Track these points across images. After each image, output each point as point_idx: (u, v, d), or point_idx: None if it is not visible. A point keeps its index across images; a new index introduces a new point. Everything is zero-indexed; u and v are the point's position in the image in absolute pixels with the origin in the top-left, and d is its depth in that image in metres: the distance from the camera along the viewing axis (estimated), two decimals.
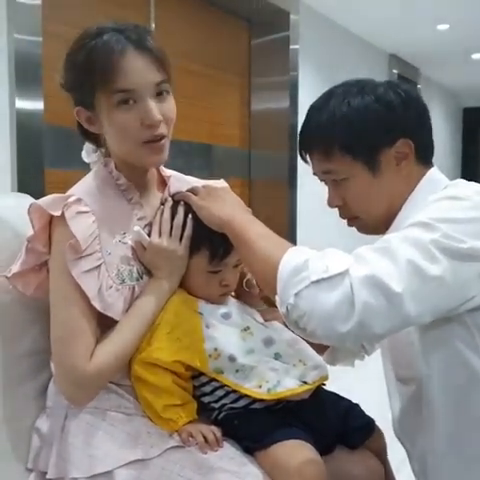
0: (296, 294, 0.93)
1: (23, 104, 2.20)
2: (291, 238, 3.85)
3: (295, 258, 0.96)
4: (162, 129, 1.12)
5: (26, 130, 2.21)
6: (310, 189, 3.13)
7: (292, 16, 3.78)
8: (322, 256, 0.96)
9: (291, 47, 3.80)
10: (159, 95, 1.11)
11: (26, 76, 2.20)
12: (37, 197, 1.36)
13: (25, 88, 2.20)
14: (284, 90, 3.83)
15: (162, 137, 1.12)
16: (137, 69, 1.08)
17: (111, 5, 2.80)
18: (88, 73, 1.08)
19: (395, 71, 5.54)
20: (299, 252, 0.98)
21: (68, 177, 2.49)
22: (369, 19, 4.40)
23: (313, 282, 0.92)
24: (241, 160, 3.90)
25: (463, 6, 4.15)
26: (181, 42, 3.27)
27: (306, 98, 3.78)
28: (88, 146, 1.24)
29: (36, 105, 2.25)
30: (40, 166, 2.31)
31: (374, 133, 1.13)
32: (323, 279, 0.92)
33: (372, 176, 1.15)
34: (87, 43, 1.09)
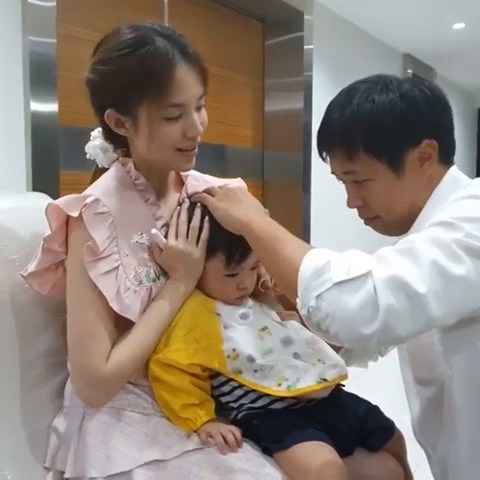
0: (318, 296, 0.91)
1: (38, 106, 2.21)
2: (305, 239, 3.82)
3: (316, 260, 0.95)
4: (199, 138, 1.13)
5: (41, 132, 2.22)
6: (324, 190, 3.13)
7: (306, 16, 3.76)
8: (344, 257, 0.95)
9: (305, 47, 3.79)
10: (199, 108, 1.12)
11: (40, 78, 2.21)
12: (53, 198, 1.37)
13: (40, 90, 2.21)
14: (298, 91, 3.81)
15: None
16: (188, 83, 1.08)
17: (125, 6, 2.81)
18: (141, 82, 1.05)
19: (410, 71, 5.51)
20: (320, 254, 0.97)
21: (83, 179, 2.50)
22: (384, 19, 4.38)
23: (335, 284, 0.90)
24: (255, 161, 3.89)
25: (479, 5, 4.11)
26: (194, 43, 3.23)
27: (320, 98, 3.77)
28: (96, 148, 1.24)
29: (50, 107, 2.26)
30: (55, 168, 2.31)
31: (399, 133, 1.11)
32: (345, 281, 0.90)
33: (396, 177, 1.13)
34: (138, 49, 1.05)
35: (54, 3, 2.24)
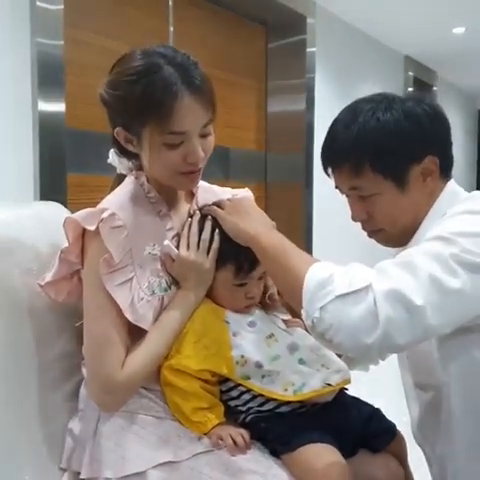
0: (322, 308, 0.96)
1: (45, 107, 2.24)
2: (307, 241, 3.86)
3: (320, 273, 0.99)
4: (201, 163, 1.16)
5: (48, 133, 2.25)
6: (326, 192, 3.15)
7: (308, 19, 3.80)
8: (346, 271, 0.99)
9: (308, 50, 3.82)
10: (204, 135, 1.15)
11: (48, 79, 2.24)
12: (61, 202, 1.41)
13: (47, 91, 2.24)
14: (300, 93, 3.84)
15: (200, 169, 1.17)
16: (191, 112, 1.10)
17: (131, 10, 2.84)
18: (143, 109, 1.09)
19: (411, 73, 5.52)
20: (324, 267, 1.01)
21: (89, 181, 2.54)
22: (385, 22, 4.40)
23: (338, 296, 0.95)
24: (257, 163, 3.92)
25: (479, 10, 4.14)
26: (198, 46, 3.29)
27: (322, 100, 3.80)
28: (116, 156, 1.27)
29: (58, 108, 2.29)
30: (62, 170, 2.34)
31: (404, 151, 1.15)
32: (347, 293, 0.95)
33: (400, 192, 1.17)
34: (143, 77, 1.09)
35: (62, 6, 2.27)
